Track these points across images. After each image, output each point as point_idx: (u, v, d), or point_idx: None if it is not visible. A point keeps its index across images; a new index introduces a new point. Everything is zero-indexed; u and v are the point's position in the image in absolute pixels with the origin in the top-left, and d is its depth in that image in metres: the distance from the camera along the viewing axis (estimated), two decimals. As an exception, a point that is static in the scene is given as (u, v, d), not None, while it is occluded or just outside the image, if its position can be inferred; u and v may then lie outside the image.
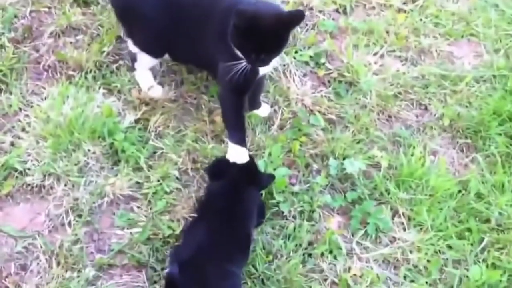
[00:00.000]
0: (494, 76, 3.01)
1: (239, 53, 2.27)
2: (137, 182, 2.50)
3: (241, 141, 2.44)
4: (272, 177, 2.46)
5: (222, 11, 2.31)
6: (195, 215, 2.38)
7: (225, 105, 2.50)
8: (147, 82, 2.72)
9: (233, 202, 2.30)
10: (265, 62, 2.29)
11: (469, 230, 2.49)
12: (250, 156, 2.44)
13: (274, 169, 2.55)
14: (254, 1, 2.30)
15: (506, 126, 2.81)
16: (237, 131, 2.46)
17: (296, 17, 2.25)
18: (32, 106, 2.63)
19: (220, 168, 2.42)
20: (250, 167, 2.42)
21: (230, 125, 2.50)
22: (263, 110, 2.74)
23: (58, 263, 2.29)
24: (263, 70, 2.43)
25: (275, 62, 2.49)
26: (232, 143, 2.44)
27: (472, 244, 2.46)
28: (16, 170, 2.46)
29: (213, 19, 2.37)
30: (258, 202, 2.41)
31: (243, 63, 2.27)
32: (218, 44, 2.35)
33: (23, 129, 2.57)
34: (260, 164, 2.53)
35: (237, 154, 2.42)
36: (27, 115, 2.61)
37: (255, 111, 2.71)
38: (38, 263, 2.29)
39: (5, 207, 2.41)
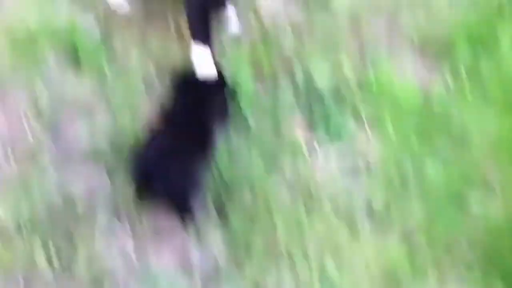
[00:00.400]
0: (464, -5, 2.99)
1: None
2: (100, 90, 2.49)
3: (205, 40, 2.37)
4: (237, 84, 2.46)
5: None
6: (157, 117, 2.36)
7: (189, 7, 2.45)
8: None
9: (196, 106, 2.29)
10: None
11: (430, 139, 2.52)
12: (215, 63, 2.42)
13: (242, 81, 2.54)
14: None
15: (473, 42, 2.80)
16: (201, 29, 2.40)
17: None
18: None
19: (185, 75, 2.41)
20: (215, 74, 2.41)
21: (194, 24, 2.43)
22: (233, 26, 2.70)
23: (16, 159, 2.29)
24: None
25: None
26: (195, 43, 2.39)
27: (432, 152, 2.48)
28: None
29: None
30: (223, 107, 2.41)
31: None
32: None
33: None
34: (225, 67, 2.51)
35: (201, 55, 2.38)
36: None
37: (226, 26, 2.68)
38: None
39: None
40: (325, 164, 2.43)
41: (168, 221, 2.18)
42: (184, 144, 2.18)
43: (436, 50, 2.79)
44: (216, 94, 2.37)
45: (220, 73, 2.43)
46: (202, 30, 2.40)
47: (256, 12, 2.78)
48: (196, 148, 2.22)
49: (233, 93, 2.44)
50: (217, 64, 2.42)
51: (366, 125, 2.55)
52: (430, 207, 2.32)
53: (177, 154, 2.15)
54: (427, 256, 2.11)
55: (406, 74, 2.71)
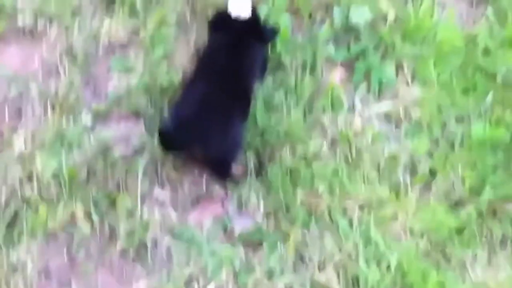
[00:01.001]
0: None
1: None
2: (134, 27, 2.39)
3: None
4: (276, 31, 2.37)
5: None
6: (194, 68, 2.27)
7: None
8: None
9: (234, 56, 2.20)
10: None
11: (474, 86, 2.42)
12: (253, 8, 2.30)
13: (277, 17, 2.44)
14: None
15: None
16: None
17: None
18: None
19: (222, 21, 2.30)
20: (253, 20, 2.29)
21: None
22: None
23: (54, 109, 2.23)
24: None
25: None
26: None
27: (476, 101, 2.40)
28: (6, 10, 2.35)
29: None
30: (262, 57, 2.32)
31: None
32: None
33: (12, -33, 2.43)
34: (262, 10, 2.41)
35: (239, 4, 2.28)
36: (14, -46, 2.45)
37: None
38: (33, 109, 2.24)
39: (-4, 48, 2.33)
40: (363, 111, 2.35)
41: (208, 186, 2.15)
42: (222, 98, 2.09)
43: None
44: (254, 42, 2.27)
45: (257, 18, 2.32)
46: None
47: None
48: (234, 102, 2.13)
49: (271, 38, 2.35)
50: (253, 9, 2.30)
51: (406, 68, 2.44)
52: (477, 166, 2.25)
53: (215, 111, 2.07)
54: (476, 225, 2.08)
55: (447, 12, 2.58)
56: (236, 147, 2.15)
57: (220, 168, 2.15)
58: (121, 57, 2.36)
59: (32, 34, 2.35)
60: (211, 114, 2.05)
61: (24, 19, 2.35)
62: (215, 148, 2.07)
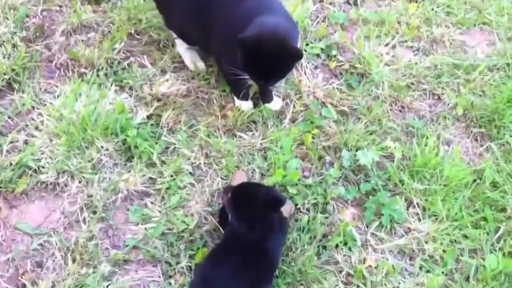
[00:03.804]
0: (508, 64, 2.98)
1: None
2: (151, 178, 2.50)
3: (246, 97, 2.69)
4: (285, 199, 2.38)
5: (238, 18, 2.37)
6: (217, 246, 2.31)
7: (226, 77, 2.68)
8: (190, 57, 2.82)
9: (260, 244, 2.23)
10: (268, 85, 2.43)
11: (484, 219, 2.47)
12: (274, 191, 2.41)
13: (287, 162, 2.55)
14: (267, 21, 2.34)
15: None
16: (240, 89, 2.65)
17: (293, 56, 2.34)
18: (45, 105, 2.65)
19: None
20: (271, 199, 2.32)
21: (233, 87, 2.71)
22: (275, 104, 2.74)
23: (74, 260, 2.29)
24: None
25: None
26: (237, 100, 2.71)
27: (488, 233, 2.43)
28: (30, 168, 2.47)
29: (230, 22, 2.41)
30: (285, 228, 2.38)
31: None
32: (229, 46, 2.37)
33: (37, 128, 2.59)
34: (269, 155, 2.55)
35: (243, 107, 2.70)
36: (40, 114, 2.62)
37: (267, 105, 2.71)
38: (54, 260, 2.30)
39: (20, 205, 2.42)
40: (377, 247, 2.39)
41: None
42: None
43: (482, 123, 2.77)
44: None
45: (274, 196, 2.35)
46: (242, 91, 2.66)
47: (296, 88, 2.81)
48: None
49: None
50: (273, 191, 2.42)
51: (416, 204, 2.50)
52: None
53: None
54: None
55: (453, 149, 2.68)
56: None
57: None
58: (139, 207, 2.45)
59: (54, 189, 2.46)
60: None
61: (47, 176, 2.46)
62: None
